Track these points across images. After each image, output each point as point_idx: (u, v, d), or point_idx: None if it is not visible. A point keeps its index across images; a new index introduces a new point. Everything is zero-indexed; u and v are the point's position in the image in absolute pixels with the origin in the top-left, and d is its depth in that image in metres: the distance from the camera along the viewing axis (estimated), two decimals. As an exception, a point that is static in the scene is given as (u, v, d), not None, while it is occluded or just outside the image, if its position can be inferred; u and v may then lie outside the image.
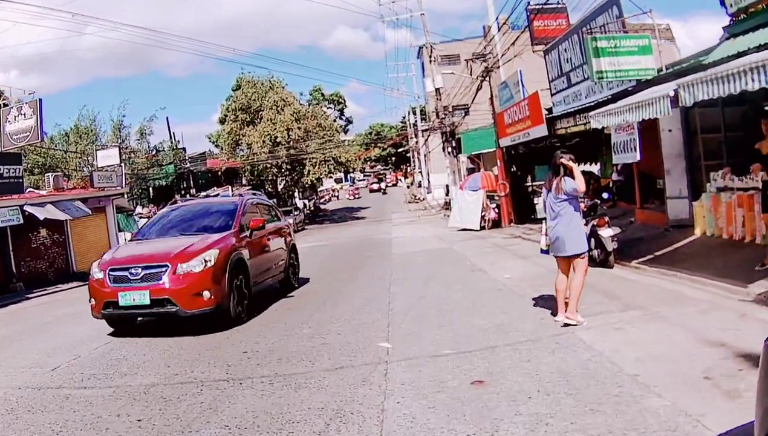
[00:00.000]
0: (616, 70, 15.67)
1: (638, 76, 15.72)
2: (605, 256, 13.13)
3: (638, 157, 14.48)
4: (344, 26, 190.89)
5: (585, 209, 14.32)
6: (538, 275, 12.72)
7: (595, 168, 30.94)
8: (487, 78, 27.97)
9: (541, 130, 21.91)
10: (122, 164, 35.40)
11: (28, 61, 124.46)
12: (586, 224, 14.13)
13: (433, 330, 8.59)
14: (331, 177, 68.81)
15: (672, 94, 9.84)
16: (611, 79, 15.83)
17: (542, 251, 9.03)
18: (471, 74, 29.20)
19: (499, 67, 27.60)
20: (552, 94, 21.44)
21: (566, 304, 8.32)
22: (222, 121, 55.19)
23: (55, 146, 49.25)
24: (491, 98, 27.68)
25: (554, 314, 8.65)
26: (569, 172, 8.26)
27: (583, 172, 26.81)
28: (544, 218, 8.95)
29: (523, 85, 24.18)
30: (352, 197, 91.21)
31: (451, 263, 16.49)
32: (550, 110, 21.93)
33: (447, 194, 48.73)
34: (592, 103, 17.80)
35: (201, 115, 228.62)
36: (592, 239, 13.33)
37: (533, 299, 10.21)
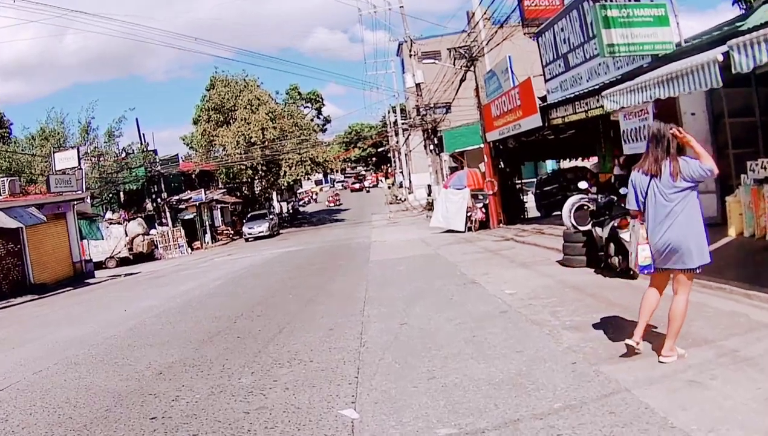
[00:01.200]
0: (629, 44, 13.16)
1: (654, 50, 13.26)
2: (628, 264, 10.54)
3: (653, 147, 12.03)
4: (322, 28, 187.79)
5: (597, 207, 11.80)
6: (549, 289, 10.12)
7: (588, 163, 28.50)
8: (472, 67, 25.36)
9: (534, 121, 19.34)
10: (81, 167, 32.44)
11: (7, 67, 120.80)
12: (601, 226, 11.59)
13: (420, 385, 5.87)
14: (308, 178, 65.86)
15: (721, 57, 7.34)
16: (624, 53, 13.31)
17: (642, 269, 5.97)
18: (454, 64, 26.56)
19: (483, 55, 25.02)
20: (546, 81, 18.89)
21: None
22: (196, 122, 52.31)
23: (22, 150, 46.26)
24: (476, 89, 25.08)
25: (594, 355, 6.01)
26: (682, 148, 5.64)
27: (577, 169, 24.15)
28: (632, 218, 6.14)
29: (512, 73, 21.62)
30: (332, 204, 75.53)
31: (439, 273, 13.76)
32: (543, 99, 19.38)
33: (429, 194, 46.26)
34: (597, 86, 15.28)
35: (182, 120, 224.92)
36: (611, 244, 10.78)
37: (552, 326, 7.56)
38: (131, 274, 30.10)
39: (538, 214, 28.18)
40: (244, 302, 13.04)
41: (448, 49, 27.08)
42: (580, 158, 27.94)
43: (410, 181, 64.25)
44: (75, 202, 30.95)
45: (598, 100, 15.66)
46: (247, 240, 43.97)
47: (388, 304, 10.36)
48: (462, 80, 27.20)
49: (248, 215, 48.77)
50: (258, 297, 13.42)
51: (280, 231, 48.16)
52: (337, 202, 76.47)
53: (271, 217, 47.27)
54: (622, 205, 11.88)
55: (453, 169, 38.40)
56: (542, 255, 14.72)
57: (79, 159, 31.92)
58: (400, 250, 20.69)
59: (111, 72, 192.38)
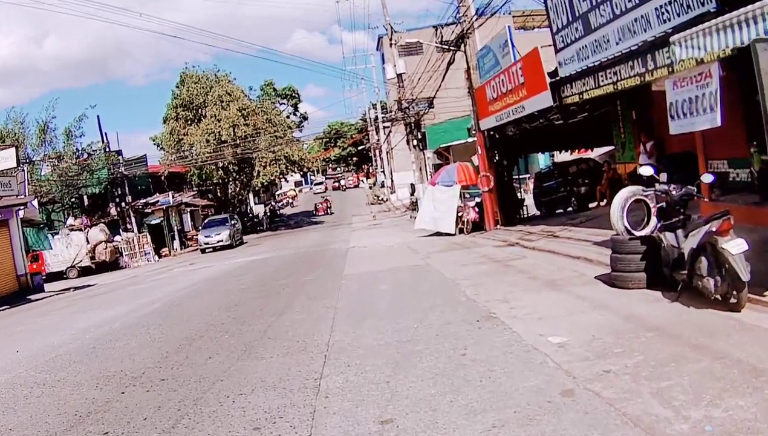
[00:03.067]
0: (690, -21, 9.35)
1: (721, -10, 9.41)
2: (729, 288, 6.67)
3: (718, 121, 8.58)
4: (301, 30, 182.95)
5: (668, 203, 7.90)
6: (618, 333, 6.19)
7: (591, 154, 24.67)
8: (462, 47, 21.37)
9: (542, 100, 15.42)
10: (24, 168, 28.09)
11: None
12: (673, 229, 7.72)
13: None
14: (285, 179, 61.14)
15: None
16: (684, -9, 9.46)
17: None
18: (441, 42, 22.57)
19: (473, 31, 21.02)
20: (557, 51, 14.95)
21: None
22: (165, 121, 47.74)
23: (-23, 153, 41.68)
24: (467, 70, 21.09)
25: None
26: None
27: (581, 161, 20.17)
28: None
29: (513, 45, 17.69)
30: (323, 213, 57.69)
31: (435, 297, 9.66)
32: (552, 74, 15.47)
33: (412, 194, 42.24)
34: (635, 46, 11.37)
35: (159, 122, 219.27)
36: (702, 258, 6.86)
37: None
38: (83, 287, 25.88)
39: (537, 213, 24.41)
40: (162, 345, 8.98)
41: (434, 27, 23.00)
42: (582, 149, 24.03)
43: (392, 181, 60.15)
44: (18, 208, 26.63)
45: (632, 68, 11.83)
46: (203, 251, 35.84)
47: (362, 363, 6.31)
48: (450, 63, 23.26)
49: (205, 221, 40.84)
50: (183, 336, 9.35)
51: (243, 241, 39.95)
52: (327, 209, 59.00)
53: (233, 222, 38.82)
54: (705, 199, 8.03)
55: (437, 167, 34.52)
56: (569, 267, 10.79)
57: (19, 159, 27.37)
58: (381, 259, 16.73)
59: (90, 78, 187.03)
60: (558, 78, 14.98)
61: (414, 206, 38.64)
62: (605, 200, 19.05)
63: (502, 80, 17.75)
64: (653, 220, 8.80)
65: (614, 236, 8.68)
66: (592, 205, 20.89)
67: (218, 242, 35.37)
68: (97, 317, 13.66)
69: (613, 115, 17.29)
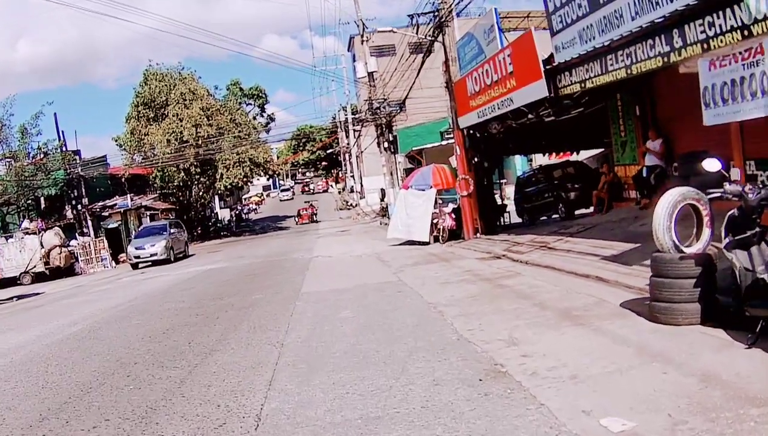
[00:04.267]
0: None
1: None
2: None
3: (777, 106, 6.42)
4: (272, 34, 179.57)
5: (742, 210, 5.60)
6: (702, 411, 3.76)
7: (577, 157, 22.43)
8: (439, 36, 19.05)
9: (536, 91, 13.12)
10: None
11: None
12: (747, 246, 5.44)
13: None
14: (251, 182, 58.25)
15: None
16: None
17: None
18: (417, 32, 20.24)
19: (453, 18, 18.70)
20: (554, 34, 12.61)
21: None
22: (127, 121, 44.81)
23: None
24: (446, 62, 18.74)
25: None
26: None
27: (567, 164, 17.81)
28: None
29: (500, 30, 15.44)
30: (306, 220, 50.20)
31: (416, 335, 7.08)
32: (547, 61, 13.18)
33: (383, 199, 39.94)
34: (661, 18, 9.05)
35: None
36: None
37: None
38: (29, 296, 23.03)
39: (519, 220, 22.18)
40: (49, 395, 6.42)
41: (409, 15, 20.69)
42: (567, 152, 21.79)
43: (362, 185, 57.76)
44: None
45: (653, 47, 9.56)
46: (135, 267, 28.53)
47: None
48: (426, 55, 20.92)
49: (139, 229, 33.94)
50: (81, 382, 6.79)
51: (187, 253, 32.07)
52: (313, 215, 51.16)
53: (173, 230, 30.79)
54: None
55: (409, 172, 32.21)
56: (581, 290, 8.42)
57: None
58: (347, 272, 14.30)
59: (59, 80, 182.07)
60: (554, 65, 12.70)
61: (384, 212, 36.38)
62: (602, 207, 16.77)
63: (487, 70, 15.42)
64: (706, 232, 6.55)
65: (657, 254, 6.32)
66: (578, 211, 18.69)
67: (151, 254, 28.36)
68: (4, 343, 11.07)
69: (612, 111, 15.11)
